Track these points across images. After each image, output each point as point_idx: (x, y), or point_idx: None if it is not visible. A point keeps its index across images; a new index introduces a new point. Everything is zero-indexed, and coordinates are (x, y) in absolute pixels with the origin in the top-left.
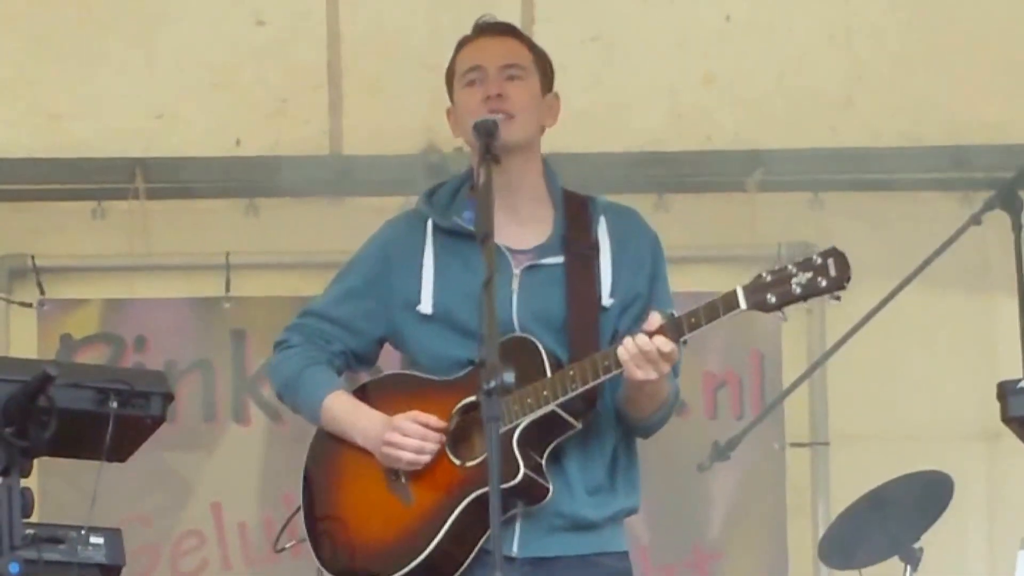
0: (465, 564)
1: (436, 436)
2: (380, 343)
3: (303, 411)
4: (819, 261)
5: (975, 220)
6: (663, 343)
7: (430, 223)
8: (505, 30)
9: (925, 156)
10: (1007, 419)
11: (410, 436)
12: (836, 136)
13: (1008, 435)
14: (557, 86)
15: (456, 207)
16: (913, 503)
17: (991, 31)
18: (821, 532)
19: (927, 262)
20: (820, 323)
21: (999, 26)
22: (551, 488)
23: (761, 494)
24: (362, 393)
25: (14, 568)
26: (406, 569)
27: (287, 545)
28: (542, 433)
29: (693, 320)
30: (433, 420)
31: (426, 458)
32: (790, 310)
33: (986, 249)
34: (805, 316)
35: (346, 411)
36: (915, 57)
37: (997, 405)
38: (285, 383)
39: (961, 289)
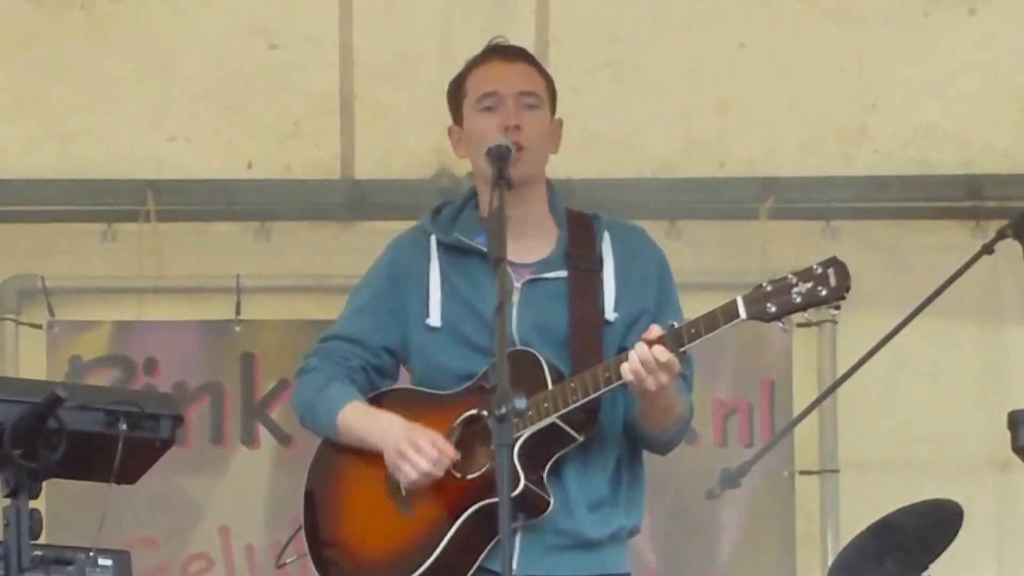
0: None
1: (446, 464)
2: (394, 356)
3: (322, 428)
4: (819, 271)
5: (987, 249)
6: (660, 352)
7: (433, 239)
8: (520, 55)
9: (937, 185)
10: (1017, 448)
11: (423, 455)
12: (849, 164)
13: (1018, 464)
14: (570, 110)
15: (459, 225)
16: (922, 531)
17: (1004, 60)
18: (830, 560)
19: (939, 291)
20: (831, 351)
21: (1012, 55)
22: (552, 501)
23: (770, 521)
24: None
25: None
26: None
27: (289, 560)
28: (543, 445)
29: (693, 331)
30: (450, 450)
31: (428, 481)
32: (799, 336)
33: (998, 278)
34: (816, 344)
35: (362, 418)
36: (928, 85)
37: (1007, 434)
38: (306, 405)
39: (972, 318)
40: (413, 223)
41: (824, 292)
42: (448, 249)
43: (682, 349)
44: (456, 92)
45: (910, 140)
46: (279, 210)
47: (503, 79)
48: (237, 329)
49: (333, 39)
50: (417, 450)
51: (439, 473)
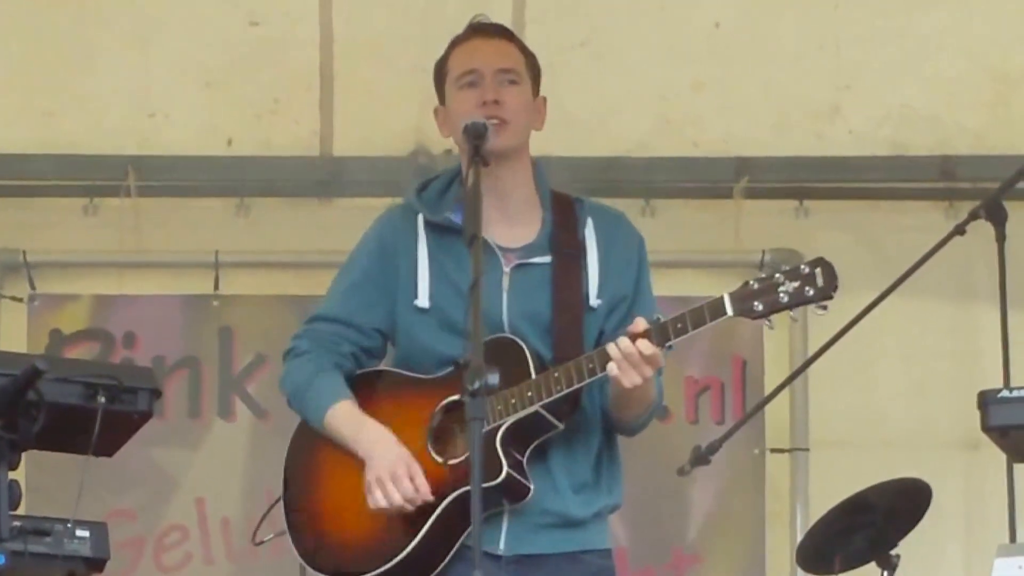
0: (445, 560)
1: (418, 503)
2: (383, 335)
3: (308, 418)
4: (807, 271)
5: (959, 230)
6: (645, 346)
7: (420, 218)
8: (499, 32)
9: (911, 165)
10: (987, 428)
11: (400, 488)
12: (822, 144)
13: (986, 444)
14: (546, 89)
15: (446, 203)
16: (891, 510)
17: (979, 42)
18: (799, 538)
19: (911, 271)
20: (803, 330)
21: (987, 37)
22: (532, 487)
23: (741, 499)
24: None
25: (0, 559)
26: (387, 566)
27: (266, 538)
28: (525, 433)
29: (679, 325)
30: (425, 490)
31: (392, 511)
32: (775, 317)
33: (970, 259)
34: (788, 323)
35: (349, 424)
36: (902, 66)
37: (977, 414)
38: (294, 392)
39: (944, 299)
40: (391, 200)
41: (811, 292)
42: (435, 228)
43: (668, 344)
44: (439, 72)
45: (884, 121)
46: (258, 186)
47: (482, 56)
48: (215, 304)
49: (313, 17)
50: (396, 481)
51: (409, 509)
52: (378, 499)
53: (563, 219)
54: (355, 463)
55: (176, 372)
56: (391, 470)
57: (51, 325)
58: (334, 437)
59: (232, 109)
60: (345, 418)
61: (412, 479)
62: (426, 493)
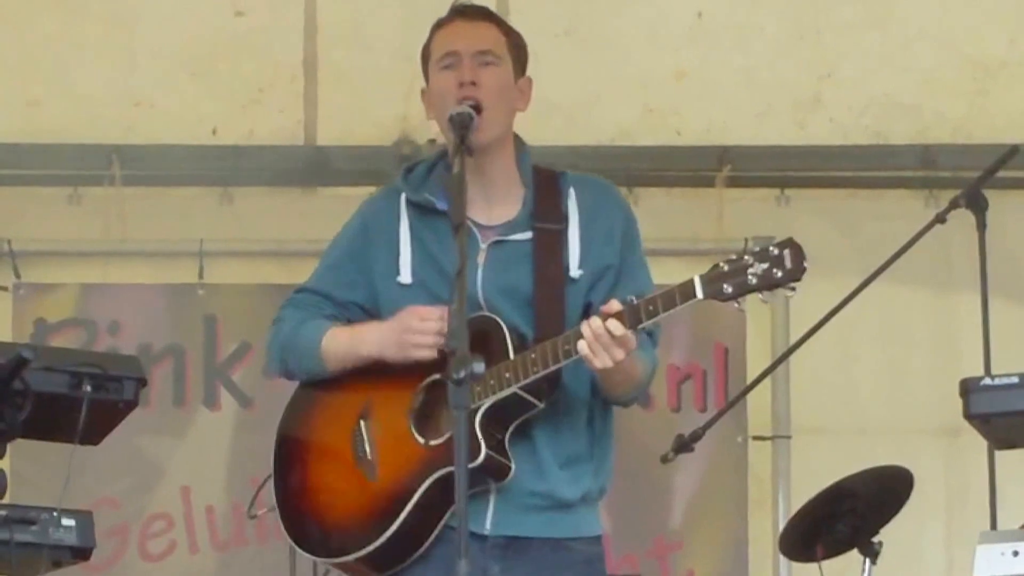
0: (428, 541)
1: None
2: (364, 311)
3: (304, 362)
4: (776, 252)
5: (940, 219)
6: (615, 327)
7: (403, 197)
8: (481, 14)
9: (892, 155)
10: (969, 416)
11: (428, 320)
12: (804, 134)
13: (967, 431)
14: (532, 80)
15: (429, 184)
16: (873, 497)
17: (959, 31)
18: (782, 525)
19: (892, 259)
20: (784, 318)
21: (967, 26)
22: (513, 466)
23: (723, 486)
24: None
25: None
26: (371, 547)
27: (258, 512)
28: (504, 413)
29: (651, 308)
30: (435, 316)
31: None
32: (753, 304)
33: (950, 248)
34: (769, 311)
35: (346, 335)
36: (883, 56)
37: (958, 401)
38: (283, 346)
39: (925, 287)
40: (375, 189)
41: (779, 274)
42: (417, 208)
43: (641, 326)
44: (424, 54)
45: (865, 110)
46: (243, 175)
47: (462, 38)
48: (200, 292)
49: (298, 6)
50: (422, 318)
51: (440, 341)
52: (422, 341)
53: (546, 194)
54: (340, 449)
55: (161, 361)
56: (401, 331)
57: (36, 314)
58: (334, 360)
59: (217, 98)
60: (340, 335)
61: (422, 318)
62: (436, 317)
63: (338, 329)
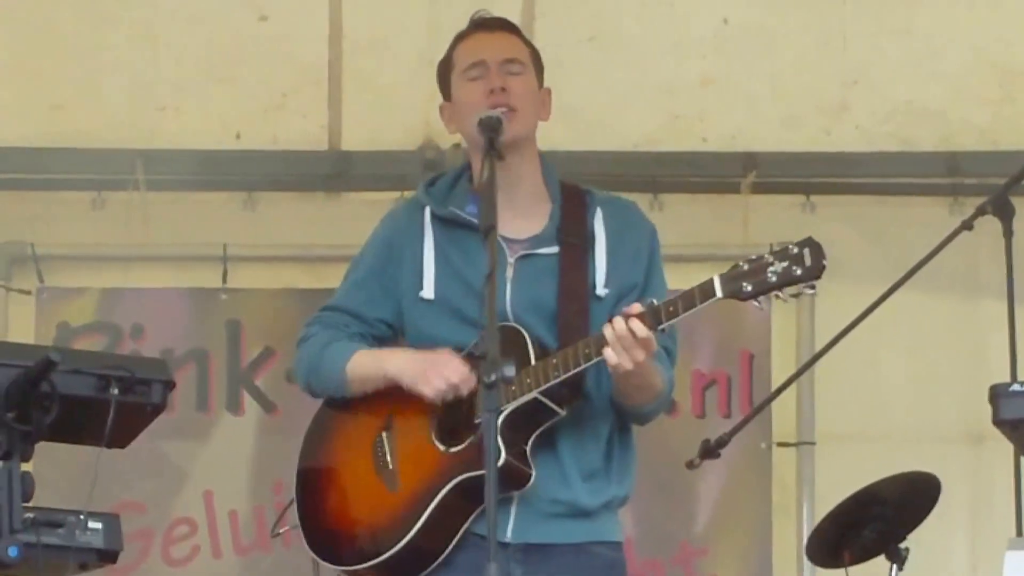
0: (448, 548)
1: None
2: (391, 327)
3: (329, 384)
4: (795, 251)
5: (967, 225)
6: (638, 328)
7: (427, 211)
8: (502, 25)
9: (917, 161)
10: (998, 422)
11: (456, 372)
12: (830, 140)
13: (993, 438)
14: (555, 84)
15: (453, 197)
16: (900, 503)
17: (985, 38)
18: (806, 531)
19: (918, 266)
20: (809, 324)
21: (993, 33)
22: (533, 474)
23: (747, 492)
24: None
25: (13, 552)
26: (389, 553)
27: (281, 531)
28: (526, 420)
29: (671, 308)
30: (455, 371)
31: (457, 391)
32: (778, 310)
33: (977, 254)
34: (794, 317)
35: (371, 359)
36: (909, 63)
37: (983, 408)
38: (310, 366)
39: (951, 293)
40: (398, 194)
41: (799, 272)
42: (442, 222)
43: (661, 327)
44: (444, 67)
45: (891, 117)
46: (266, 180)
47: (487, 48)
48: (223, 297)
49: (322, 11)
50: (433, 377)
51: (462, 392)
52: (429, 390)
53: (572, 210)
54: (363, 461)
55: (184, 365)
56: (428, 364)
57: (59, 318)
58: (358, 383)
59: (240, 103)
60: (365, 358)
61: (443, 369)
62: (459, 372)
63: (364, 353)
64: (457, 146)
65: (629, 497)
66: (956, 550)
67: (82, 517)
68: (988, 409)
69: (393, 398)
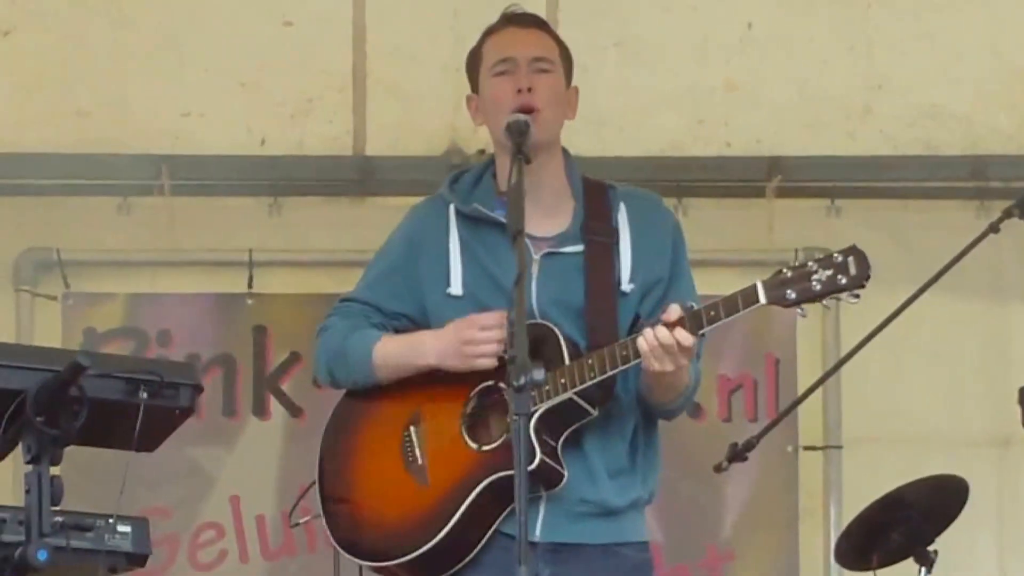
0: (478, 547)
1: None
2: (411, 320)
3: (354, 372)
4: (840, 259)
5: (994, 228)
6: (684, 337)
7: (452, 208)
8: (534, 22)
9: (942, 165)
10: None
11: (490, 329)
12: (854, 144)
13: (1020, 440)
14: (580, 89)
15: (478, 195)
16: (928, 506)
17: (1010, 42)
18: (833, 535)
19: (945, 269)
20: (835, 328)
21: (1018, 37)
22: (566, 474)
23: (774, 496)
24: None
25: (42, 555)
26: (420, 551)
27: (301, 520)
28: (558, 419)
29: (712, 313)
30: (493, 325)
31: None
32: (808, 310)
33: (1002, 258)
34: (820, 322)
35: (399, 343)
36: (934, 66)
37: (1010, 411)
38: (332, 354)
39: (976, 297)
40: (423, 199)
41: (844, 281)
42: (467, 218)
43: (701, 332)
44: (473, 60)
45: (915, 120)
46: (291, 185)
47: (517, 44)
48: (249, 302)
49: (346, 16)
50: (482, 328)
51: (500, 351)
52: (482, 351)
53: (596, 207)
54: (391, 449)
55: (210, 370)
56: (461, 341)
57: (85, 323)
58: (387, 369)
59: (265, 108)
60: (393, 343)
61: (482, 327)
62: (496, 325)
63: (389, 339)
64: (482, 152)
65: (655, 494)
66: (984, 553)
67: (111, 521)
68: (1015, 411)
69: (419, 390)
